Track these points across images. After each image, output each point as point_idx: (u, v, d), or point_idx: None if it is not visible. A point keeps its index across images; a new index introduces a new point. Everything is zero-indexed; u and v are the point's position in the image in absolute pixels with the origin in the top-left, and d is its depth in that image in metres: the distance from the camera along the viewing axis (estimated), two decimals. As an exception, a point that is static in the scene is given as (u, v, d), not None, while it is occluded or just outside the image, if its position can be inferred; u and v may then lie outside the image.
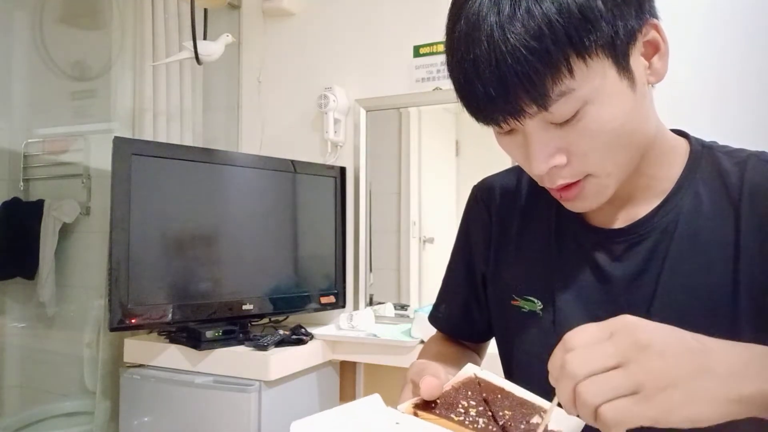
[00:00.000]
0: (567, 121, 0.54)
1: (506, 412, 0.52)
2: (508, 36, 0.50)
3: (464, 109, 0.58)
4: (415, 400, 0.54)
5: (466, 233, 0.82)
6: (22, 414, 2.33)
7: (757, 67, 1.54)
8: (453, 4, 0.58)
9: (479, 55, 0.52)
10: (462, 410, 0.52)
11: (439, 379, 0.55)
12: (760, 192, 0.59)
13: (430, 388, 0.54)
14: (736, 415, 0.42)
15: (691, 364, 0.42)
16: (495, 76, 0.52)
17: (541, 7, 0.50)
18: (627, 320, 0.44)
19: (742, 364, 0.42)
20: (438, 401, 0.54)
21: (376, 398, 0.55)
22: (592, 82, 0.52)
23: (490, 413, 0.52)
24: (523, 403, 0.53)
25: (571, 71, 0.51)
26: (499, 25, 0.51)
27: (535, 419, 0.51)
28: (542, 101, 0.52)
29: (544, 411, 0.51)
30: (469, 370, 0.58)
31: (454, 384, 0.56)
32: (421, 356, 0.82)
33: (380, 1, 2.05)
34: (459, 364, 0.74)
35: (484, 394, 0.55)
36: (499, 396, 0.54)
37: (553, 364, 0.45)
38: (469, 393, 0.55)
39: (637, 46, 0.55)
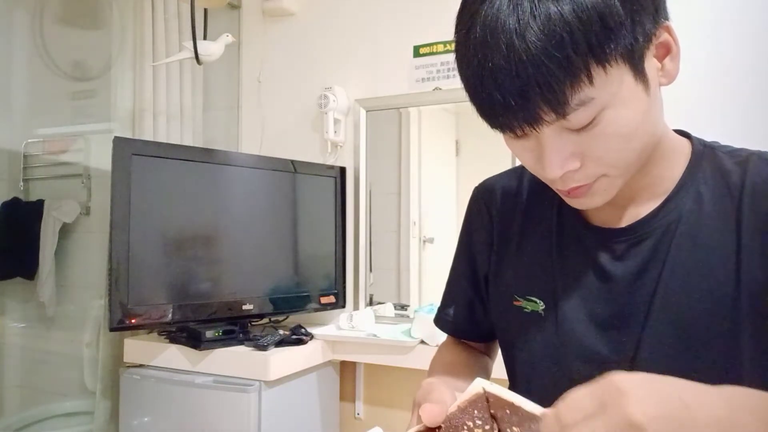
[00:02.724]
0: (583, 127, 0.54)
1: (515, 428, 0.51)
2: (529, 44, 0.49)
3: (478, 115, 0.57)
4: (419, 427, 0.53)
5: (467, 235, 0.82)
6: (22, 414, 2.33)
7: (758, 67, 1.54)
8: (465, 6, 0.56)
9: (498, 63, 0.51)
10: (466, 430, 0.51)
11: (443, 404, 0.54)
12: (762, 191, 0.59)
13: (431, 416, 0.52)
14: None
15: None
16: (515, 86, 0.51)
17: (561, 14, 0.49)
18: (619, 387, 0.40)
19: (720, 424, 0.40)
20: (443, 425, 0.53)
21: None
22: (610, 88, 0.52)
23: (497, 430, 0.51)
24: (532, 417, 0.52)
25: (590, 79, 0.50)
26: (518, 33, 0.50)
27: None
28: (561, 109, 0.51)
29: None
30: (478, 385, 0.56)
31: (460, 404, 0.54)
32: (432, 366, 0.82)
33: (380, 1, 2.05)
34: (471, 373, 0.74)
35: (492, 411, 0.53)
36: (508, 411, 0.52)
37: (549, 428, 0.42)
38: (476, 412, 0.53)
39: (651, 49, 0.55)
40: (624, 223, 0.65)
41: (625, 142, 0.55)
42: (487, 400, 0.54)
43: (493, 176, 0.82)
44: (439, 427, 0.53)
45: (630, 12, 0.51)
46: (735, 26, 1.57)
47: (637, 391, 0.40)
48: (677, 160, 0.65)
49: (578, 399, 0.42)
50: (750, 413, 0.41)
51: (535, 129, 0.54)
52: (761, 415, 0.41)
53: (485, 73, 0.52)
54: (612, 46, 0.50)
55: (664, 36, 0.56)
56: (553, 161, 0.56)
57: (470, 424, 0.52)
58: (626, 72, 0.53)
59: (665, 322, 0.61)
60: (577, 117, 0.52)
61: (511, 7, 0.50)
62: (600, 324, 0.65)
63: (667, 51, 0.57)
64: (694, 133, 0.68)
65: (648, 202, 0.64)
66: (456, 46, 0.57)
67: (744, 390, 0.43)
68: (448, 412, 0.54)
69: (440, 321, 0.87)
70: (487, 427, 0.52)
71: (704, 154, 0.65)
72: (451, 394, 0.57)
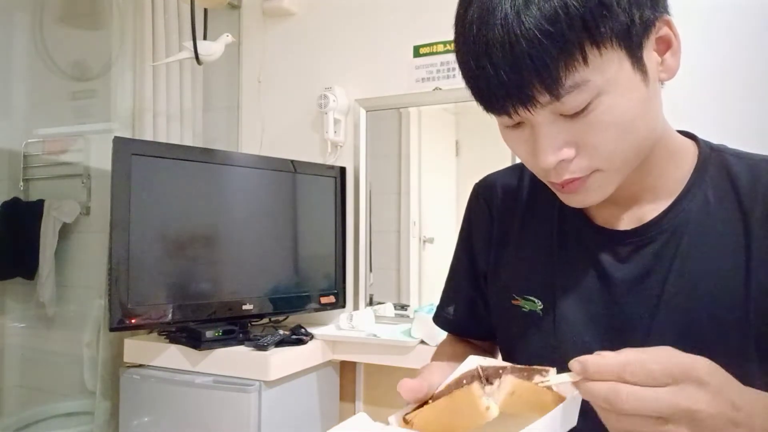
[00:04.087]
0: (578, 113, 0.53)
1: (505, 377, 0.51)
2: (523, 19, 0.49)
3: (473, 97, 0.57)
4: (406, 409, 0.53)
5: (467, 232, 0.81)
6: (22, 414, 2.33)
7: (755, 67, 1.54)
8: None
9: (492, 37, 0.51)
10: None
11: (422, 379, 0.54)
12: None
13: (408, 391, 0.53)
14: None
15: None
16: (508, 60, 0.51)
17: None
18: (700, 378, 0.44)
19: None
20: (430, 401, 0.52)
21: (362, 416, 0.53)
22: (606, 72, 0.51)
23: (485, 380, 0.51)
24: (523, 369, 0.51)
25: (585, 59, 0.50)
26: (514, 8, 0.50)
27: (537, 377, 0.49)
28: (555, 90, 0.51)
29: (546, 371, 0.50)
30: (472, 362, 0.55)
31: (449, 382, 0.54)
32: (434, 359, 0.80)
33: (380, 1, 2.05)
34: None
35: (485, 375, 0.53)
36: (500, 371, 0.53)
37: (603, 372, 0.44)
38: (464, 381, 0.53)
39: (650, 40, 0.55)
40: (627, 224, 0.65)
41: (622, 132, 0.54)
42: (480, 373, 0.54)
43: (494, 173, 0.81)
44: (427, 404, 0.52)
45: None
46: (731, 25, 1.57)
47: (708, 393, 0.44)
48: (682, 162, 0.64)
49: (648, 363, 0.44)
50: None
51: (529, 110, 0.53)
52: None
53: (480, 49, 0.52)
54: (608, 26, 0.50)
55: (664, 30, 0.56)
56: (547, 148, 0.55)
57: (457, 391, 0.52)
58: (623, 58, 0.52)
59: (671, 327, 0.60)
60: (572, 100, 0.52)
61: None
62: (599, 326, 0.64)
63: (667, 46, 0.57)
64: (696, 135, 0.67)
65: (652, 204, 0.64)
66: (455, 26, 0.57)
67: None
68: (437, 391, 0.53)
69: (440, 319, 0.85)
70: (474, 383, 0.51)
71: (711, 157, 0.64)
72: (442, 371, 0.57)
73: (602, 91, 0.52)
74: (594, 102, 0.52)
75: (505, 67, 0.51)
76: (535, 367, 0.51)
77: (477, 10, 0.53)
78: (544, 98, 0.52)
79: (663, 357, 0.44)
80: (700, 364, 0.44)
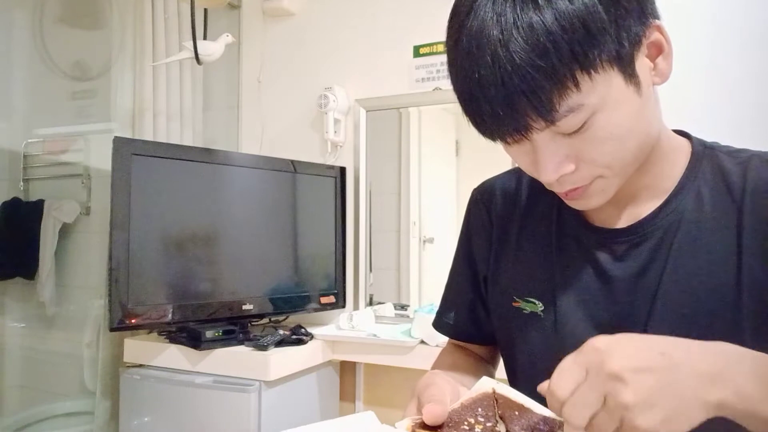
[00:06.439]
0: (575, 131, 0.54)
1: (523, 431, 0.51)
2: (513, 55, 0.50)
3: (469, 124, 0.58)
4: (416, 418, 0.53)
5: (467, 236, 0.82)
6: (22, 414, 2.33)
7: (759, 67, 1.54)
8: (453, 16, 0.57)
9: (484, 74, 0.52)
10: (467, 427, 0.51)
11: (444, 404, 0.53)
12: (763, 192, 0.59)
13: (433, 416, 0.52)
14: (708, 416, 0.44)
15: (660, 382, 0.43)
16: (501, 96, 0.51)
17: (543, 23, 0.49)
18: (596, 348, 0.45)
19: (709, 374, 0.44)
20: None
21: (370, 415, 0.54)
22: (599, 92, 0.52)
23: (498, 430, 0.51)
24: (543, 419, 0.51)
25: (577, 85, 0.51)
26: (503, 44, 0.50)
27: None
28: (549, 116, 0.52)
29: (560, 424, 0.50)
30: (486, 384, 0.56)
31: (464, 401, 0.54)
32: (434, 367, 0.80)
33: (380, 1, 2.05)
34: (474, 375, 0.74)
35: (500, 411, 0.53)
36: (517, 413, 0.52)
37: (554, 410, 0.47)
38: (480, 410, 0.53)
39: (641, 49, 0.55)
40: (624, 223, 0.65)
41: (619, 143, 0.56)
42: (495, 400, 0.54)
43: (492, 177, 0.82)
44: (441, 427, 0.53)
45: (614, 17, 0.51)
46: (736, 26, 1.57)
47: (613, 347, 0.44)
48: (677, 160, 0.65)
49: (566, 370, 0.45)
50: (739, 366, 0.44)
51: (525, 136, 0.55)
52: (754, 371, 0.44)
53: (473, 84, 0.53)
54: (596, 53, 0.50)
55: (655, 35, 0.56)
56: (548, 165, 0.56)
57: (471, 420, 0.52)
58: (615, 75, 0.53)
59: (667, 323, 0.60)
60: (567, 123, 0.53)
61: (495, 18, 0.51)
62: (600, 325, 0.64)
63: (659, 50, 0.57)
64: (693, 134, 0.68)
65: (648, 202, 0.64)
66: (447, 57, 0.58)
67: (737, 347, 0.46)
68: (450, 409, 0.53)
69: (440, 325, 0.85)
70: (489, 424, 0.51)
71: (704, 154, 0.65)
72: (452, 388, 0.57)
73: (597, 110, 0.53)
74: (590, 120, 0.53)
75: (499, 102, 0.52)
76: (557, 420, 0.51)
77: (466, 43, 0.53)
78: (539, 124, 0.53)
79: (575, 353, 0.46)
80: (596, 338, 0.46)
